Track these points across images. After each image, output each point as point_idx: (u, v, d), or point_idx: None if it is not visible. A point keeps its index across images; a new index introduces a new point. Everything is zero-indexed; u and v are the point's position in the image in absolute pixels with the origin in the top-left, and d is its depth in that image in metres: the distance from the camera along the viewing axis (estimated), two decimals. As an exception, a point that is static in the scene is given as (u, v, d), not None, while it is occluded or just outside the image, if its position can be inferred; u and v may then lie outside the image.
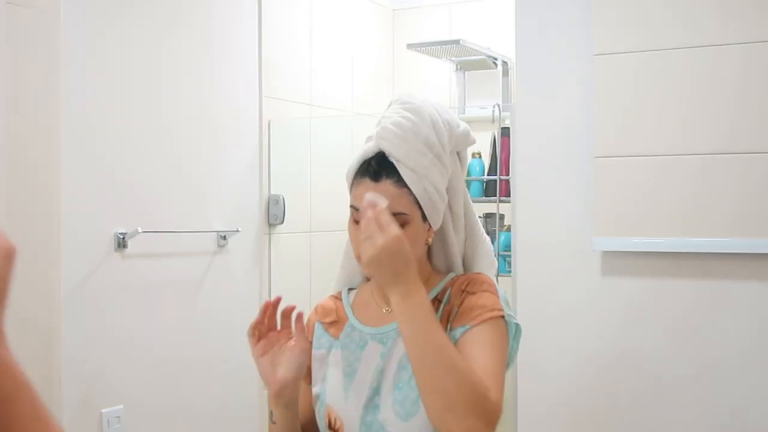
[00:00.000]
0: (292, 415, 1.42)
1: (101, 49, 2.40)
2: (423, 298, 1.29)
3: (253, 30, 2.99)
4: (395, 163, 1.35)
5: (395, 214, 1.33)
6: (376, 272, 1.29)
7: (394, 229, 1.27)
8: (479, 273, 1.46)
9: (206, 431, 2.76)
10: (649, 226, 2.25)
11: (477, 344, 1.32)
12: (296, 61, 3.24)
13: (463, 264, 1.51)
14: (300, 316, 1.40)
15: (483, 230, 1.53)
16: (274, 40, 3.10)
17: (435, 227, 1.42)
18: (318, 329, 1.52)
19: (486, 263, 1.50)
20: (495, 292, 1.39)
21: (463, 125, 1.45)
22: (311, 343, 1.50)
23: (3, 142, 2.15)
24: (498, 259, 2.88)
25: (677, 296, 2.26)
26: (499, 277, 2.87)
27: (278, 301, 1.41)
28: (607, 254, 2.33)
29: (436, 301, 1.42)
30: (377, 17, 3.80)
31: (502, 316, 1.36)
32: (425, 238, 1.41)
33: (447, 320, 1.37)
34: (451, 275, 1.47)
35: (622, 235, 2.28)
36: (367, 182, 1.37)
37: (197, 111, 2.74)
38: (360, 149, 1.41)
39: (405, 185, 1.35)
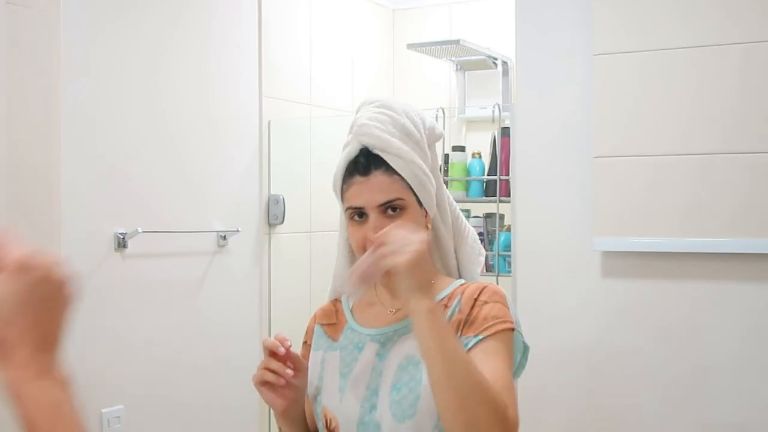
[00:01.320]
0: (301, 428, 1.45)
1: (101, 49, 2.40)
2: (443, 312, 1.31)
3: (253, 30, 2.99)
4: (380, 153, 1.37)
5: (392, 201, 1.36)
6: (416, 273, 1.24)
7: (422, 234, 1.29)
8: (491, 284, 1.45)
9: (206, 431, 2.76)
10: (649, 226, 2.25)
11: (492, 357, 1.31)
12: (296, 61, 3.24)
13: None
14: (289, 347, 1.39)
15: (468, 226, 1.54)
16: (274, 40, 3.10)
17: (431, 213, 1.43)
18: (317, 331, 1.52)
19: (470, 260, 1.51)
20: (507, 306, 1.38)
21: (430, 119, 1.48)
22: (310, 346, 1.52)
23: (3, 143, 2.14)
24: (498, 259, 2.88)
25: (677, 296, 2.26)
26: (498, 277, 2.87)
27: (278, 344, 1.40)
28: (606, 254, 2.33)
29: (442, 306, 1.40)
30: (377, 17, 3.80)
31: (512, 329, 1.36)
32: (425, 224, 1.42)
33: (457, 328, 1.36)
34: (460, 281, 1.46)
35: (621, 235, 2.28)
36: (358, 178, 1.38)
37: (197, 111, 2.74)
38: (341, 157, 1.42)
39: (395, 172, 1.37)
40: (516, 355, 1.38)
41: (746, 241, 2.14)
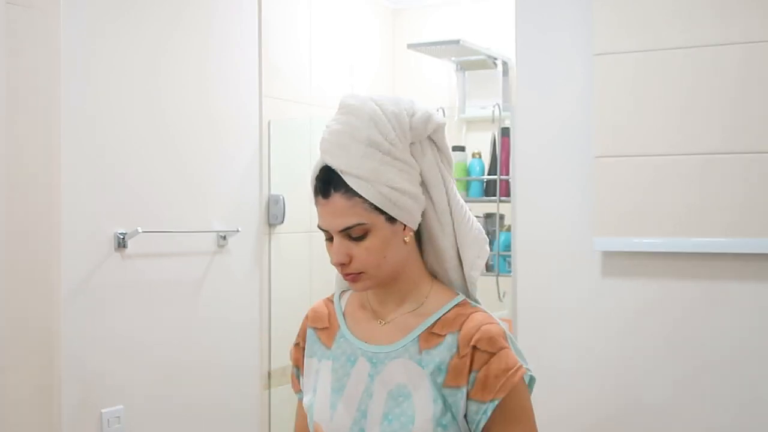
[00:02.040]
0: None
1: (101, 49, 2.40)
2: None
3: (253, 30, 2.99)
4: (341, 174, 1.27)
5: (351, 227, 1.28)
6: None
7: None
8: (486, 323, 1.34)
9: (206, 431, 2.76)
10: (649, 226, 2.25)
11: (515, 424, 1.30)
12: (296, 61, 3.24)
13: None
14: None
15: (471, 218, 1.40)
16: (274, 40, 3.10)
17: (412, 225, 1.33)
18: (310, 335, 1.47)
19: (473, 253, 1.39)
20: (508, 345, 1.32)
21: (422, 111, 1.33)
22: (304, 349, 1.47)
23: (3, 142, 2.14)
24: (498, 259, 2.88)
25: (677, 296, 2.26)
26: (499, 277, 2.87)
27: None
28: (607, 254, 2.33)
29: (433, 335, 1.33)
30: (377, 17, 3.80)
31: (522, 375, 1.31)
32: (400, 238, 1.32)
33: (457, 373, 1.30)
34: (455, 301, 1.38)
35: (622, 235, 2.28)
36: (320, 200, 1.31)
37: (197, 111, 2.74)
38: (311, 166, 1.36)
39: (356, 194, 1.27)
40: None
41: (747, 240, 2.14)
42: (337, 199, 1.29)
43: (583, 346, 2.35)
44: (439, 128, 1.36)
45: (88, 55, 2.37)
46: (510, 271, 2.63)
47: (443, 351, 1.31)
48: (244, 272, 2.95)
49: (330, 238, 1.33)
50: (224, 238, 2.84)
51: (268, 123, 3.06)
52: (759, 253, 2.14)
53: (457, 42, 3.24)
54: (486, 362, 1.29)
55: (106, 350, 2.42)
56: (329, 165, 1.29)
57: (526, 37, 2.46)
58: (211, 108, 2.80)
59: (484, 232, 1.42)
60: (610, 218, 2.29)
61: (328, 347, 1.42)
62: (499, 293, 2.86)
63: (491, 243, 2.94)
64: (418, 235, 1.39)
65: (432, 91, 3.71)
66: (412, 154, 1.32)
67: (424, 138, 1.34)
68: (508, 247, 2.81)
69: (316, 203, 1.33)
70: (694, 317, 2.24)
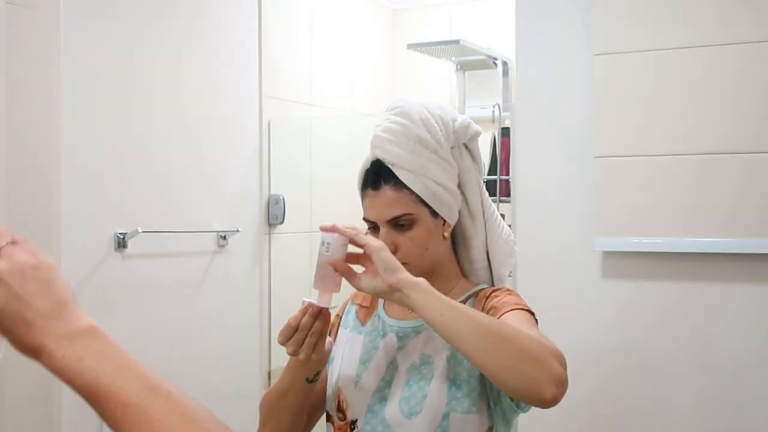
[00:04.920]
0: (304, 392, 1.43)
1: (101, 49, 2.40)
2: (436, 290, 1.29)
3: (253, 30, 2.99)
4: (391, 167, 1.39)
5: (399, 216, 1.38)
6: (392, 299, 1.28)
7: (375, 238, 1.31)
8: (504, 288, 1.47)
9: (206, 431, 2.75)
10: (650, 226, 2.25)
11: (516, 322, 1.31)
12: (296, 61, 3.24)
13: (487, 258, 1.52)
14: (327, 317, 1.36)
15: (502, 222, 1.53)
16: (274, 40, 3.10)
17: (451, 221, 1.44)
18: (350, 310, 1.56)
19: (504, 253, 1.52)
20: (520, 298, 1.41)
21: (462, 118, 1.47)
22: (340, 318, 1.55)
23: (3, 142, 2.14)
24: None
25: (677, 296, 2.25)
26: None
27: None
28: (607, 254, 2.33)
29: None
30: (377, 17, 3.80)
31: (532, 312, 1.38)
32: (440, 232, 1.43)
33: None
34: (479, 287, 1.48)
35: (622, 235, 2.28)
36: (369, 192, 1.41)
37: (197, 111, 2.74)
38: (360, 165, 1.45)
39: (405, 186, 1.38)
40: None
41: (747, 241, 2.14)
42: (386, 190, 1.39)
43: (583, 346, 2.35)
44: (476, 136, 1.50)
45: (88, 55, 2.36)
46: (510, 271, 2.63)
47: None
48: (244, 272, 2.95)
49: (375, 231, 1.42)
50: (224, 238, 2.84)
51: (268, 123, 3.06)
52: (759, 253, 2.14)
53: (457, 42, 3.24)
54: (494, 298, 1.39)
55: (106, 350, 2.41)
56: (381, 159, 1.40)
57: (526, 37, 2.46)
58: (212, 108, 2.80)
59: (512, 235, 1.55)
60: (610, 218, 2.28)
61: (363, 324, 1.51)
62: (499, 293, 2.86)
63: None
64: (452, 237, 1.49)
65: (432, 91, 3.71)
66: (452, 156, 1.44)
67: (462, 143, 1.47)
68: (508, 247, 2.81)
69: (364, 196, 1.43)
70: (694, 317, 2.24)
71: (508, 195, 2.75)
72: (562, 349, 1.32)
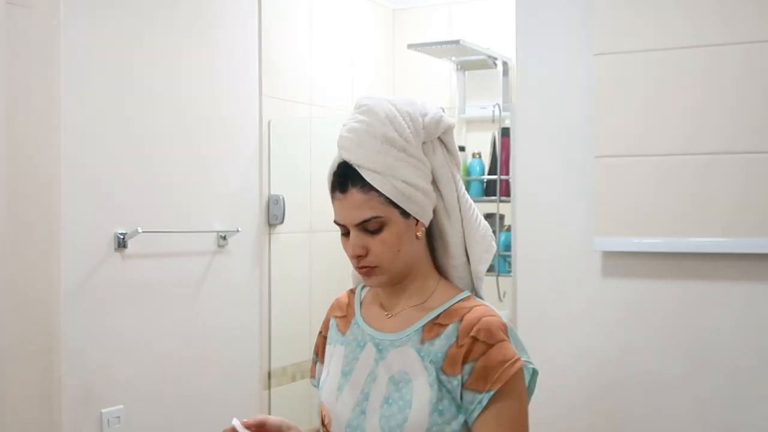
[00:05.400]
0: None
1: (101, 49, 2.40)
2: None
3: (253, 30, 2.99)
4: (357, 168, 1.34)
5: (368, 220, 1.34)
6: None
7: None
8: (487, 315, 1.37)
9: (206, 431, 2.75)
10: (650, 226, 2.25)
11: (506, 421, 1.31)
12: (296, 61, 3.24)
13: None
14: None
15: (479, 216, 1.47)
16: (274, 40, 3.10)
17: (424, 220, 1.39)
18: (332, 324, 1.54)
19: (481, 249, 1.45)
20: (507, 337, 1.35)
21: (433, 112, 1.40)
22: (326, 338, 1.54)
23: (3, 142, 2.14)
24: (498, 259, 2.88)
25: (677, 296, 2.25)
26: (499, 277, 2.87)
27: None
28: (607, 254, 2.33)
29: (437, 325, 1.38)
30: (377, 17, 3.80)
31: (521, 367, 1.33)
32: (413, 233, 1.38)
33: (453, 362, 1.33)
34: (461, 296, 1.42)
35: (622, 235, 2.28)
36: (338, 195, 1.38)
37: (197, 111, 2.74)
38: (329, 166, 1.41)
39: (372, 188, 1.34)
40: (529, 384, 1.38)
41: (748, 240, 2.14)
42: (354, 193, 1.35)
43: (583, 346, 2.35)
44: (449, 129, 1.43)
45: (88, 55, 2.36)
46: (510, 271, 2.63)
47: (443, 340, 1.36)
48: (244, 272, 2.95)
49: (346, 233, 1.39)
50: (224, 238, 2.84)
51: (268, 123, 3.06)
52: (759, 253, 2.14)
53: (457, 42, 3.24)
54: (483, 353, 1.32)
55: (106, 350, 2.42)
56: (347, 160, 1.36)
57: (526, 37, 2.46)
58: (212, 108, 2.80)
59: (490, 229, 1.48)
60: (610, 218, 2.28)
61: (343, 334, 1.49)
62: (499, 293, 2.86)
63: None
64: (429, 234, 1.44)
65: (432, 91, 3.71)
66: (423, 153, 1.38)
67: (435, 138, 1.40)
68: (508, 247, 2.81)
69: (333, 199, 1.39)
70: (694, 317, 2.24)
71: (508, 195, 2.75)
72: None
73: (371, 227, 1.35)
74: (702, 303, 2.23)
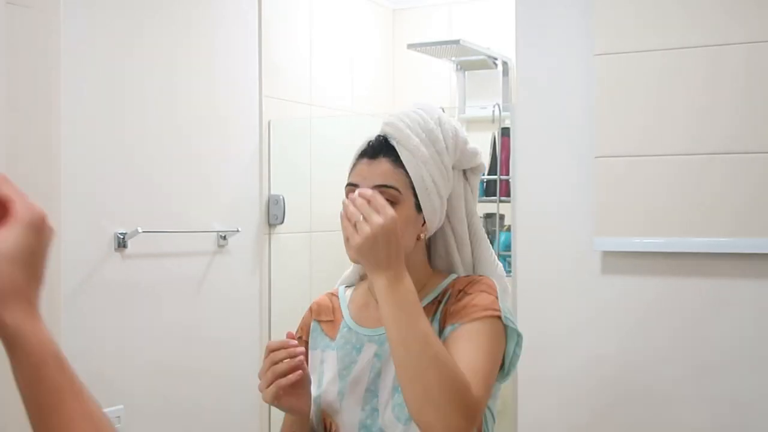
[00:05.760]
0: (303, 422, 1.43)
1: (101, 49, 2.40)
2: (410, 285, 1.26)
3: (253, 30, 2.99)
4: (395, 144, 1.36)
5: (387, 187, 1.33)
6: (369, 254, 1.23)
7: (390, 210, 1.25)
8: (482, 276, 1.43)
9: (206, 431, 2.76)
10: (650, 226, 2.25)
11: (464, 341, 1.30)
12: (296, 61, 3.24)
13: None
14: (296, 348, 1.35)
15: (496, 259, 1.51)
16: (274, 40, 3.10)
17: (430, 224, 1.39)
18: (314, 328, 1.50)
19: (492, 267, 1.49)
20: (494, 294, 1.36)
21: (474, 146, 1.45)
22: (307, 343, 1.50)
23: (3, 142, 2.14)
24: (498, 260, 2.88)
25: (678, 296, 2.26)
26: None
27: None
28: (607, 254, 2.33)
29: (436, 302, 1.39)
30: (377, 17, 3.80)
31: (498, 317, 1.33)
32: (417, 229, 1.38)
33: (446, 315, 1.35)
34: (452, 277, 1.44)
35: (622, 235, 2.28)
36: (365, 160, 1.37)
37: (197, 111, 2.74)
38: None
39: (402, 167, 1.35)
40: (509, 344, 1.36)
41: (748, 240, 2.14)
42: (383, 162, 1.35)
43: (583, 346, 2.35)
44: (480, 168, 1.47)
45: (88, 55, 2.36)
46: (510, 271, 2.63)
47: (441, 309, 1.38)
48: (244, 272, 2.95)
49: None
50: (224, 238, 2.84)
51: (268, 123, 3.06)
52: (759, 252, 2.14)
53: (457, 42, 3.24)
54: (464, 298, 1.35)
55: (106, 350, 2.41)
56: (388, 135, 1.37)
57: (526, 37, 2.46)
58: (212, 108, 2.80)
59: (504, 271, 1.52)
60: (610, 218, 2.28)
61: (332, 339, 1.45)
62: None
63: (491, 243, 2.94)
64: (429, 246, 1.46)
65: (432, 91, 3.71)
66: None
67: (462, 169, 1.45)
68: (508, 247, 2.81)
69: (356, 164, 1.38)
70: (694, 317, 2.24)
71: (508, 195, 2.75)
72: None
73: (385, 196, 1.31)
74: (701, 303, 2.23)
